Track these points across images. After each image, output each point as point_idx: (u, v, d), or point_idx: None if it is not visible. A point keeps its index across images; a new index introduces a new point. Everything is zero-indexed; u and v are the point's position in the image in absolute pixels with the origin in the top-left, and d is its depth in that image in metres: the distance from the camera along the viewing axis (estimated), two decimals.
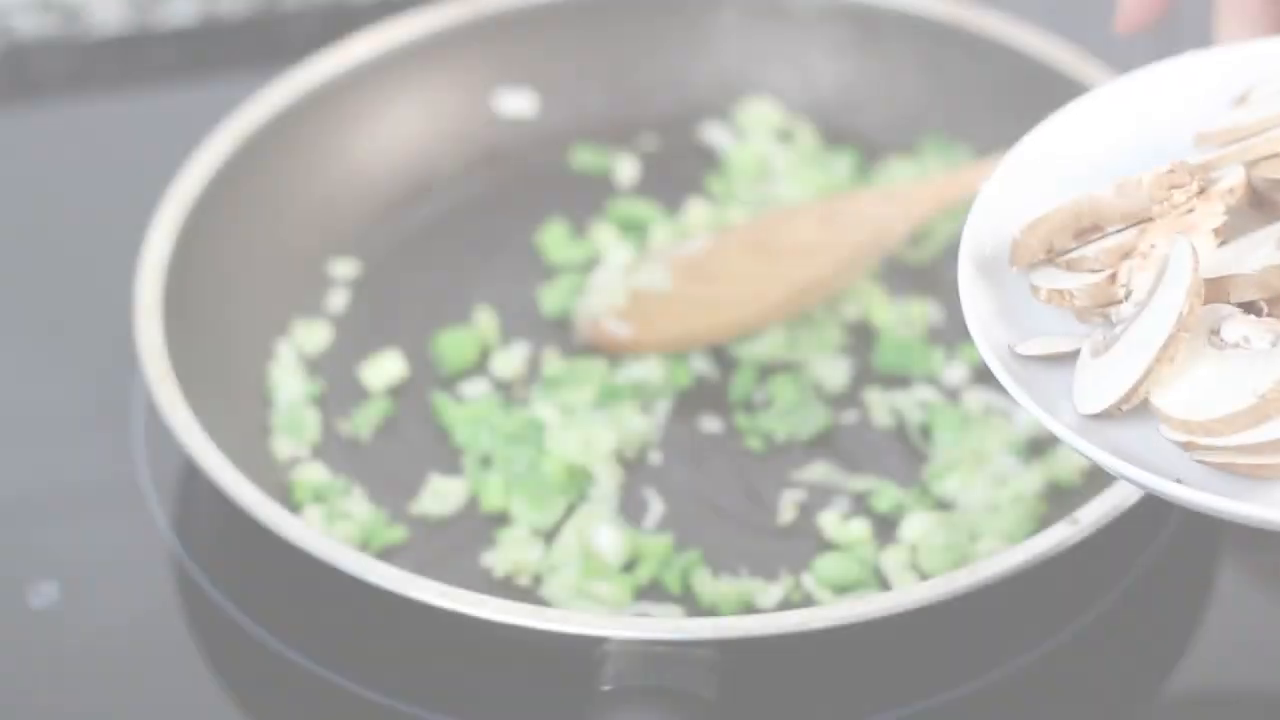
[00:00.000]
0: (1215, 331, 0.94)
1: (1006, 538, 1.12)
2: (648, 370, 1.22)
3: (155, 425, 1.19)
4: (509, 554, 1.13)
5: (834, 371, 1.22)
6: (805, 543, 1.14)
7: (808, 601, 1.11)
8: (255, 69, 1.42)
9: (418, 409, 1.21)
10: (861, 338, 1.24)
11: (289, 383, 1.22)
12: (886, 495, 1.15)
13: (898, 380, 1.22)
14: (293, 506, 1.15)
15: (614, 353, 1.23)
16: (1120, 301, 0.98)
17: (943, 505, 1.15)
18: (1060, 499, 1.14)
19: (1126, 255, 0.98)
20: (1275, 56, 1.05)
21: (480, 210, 1.33)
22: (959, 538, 1.12)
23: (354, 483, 1.17)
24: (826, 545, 1.14)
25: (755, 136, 1.35)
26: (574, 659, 1.02)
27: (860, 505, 1.15)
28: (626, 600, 1.11)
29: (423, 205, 1.33)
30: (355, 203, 1.32)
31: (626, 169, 1.35)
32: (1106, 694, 1.09)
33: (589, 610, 1.09)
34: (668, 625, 1.01)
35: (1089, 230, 0.98)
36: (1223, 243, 0.99)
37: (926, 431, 1.19)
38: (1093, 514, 1.05)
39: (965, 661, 1.09)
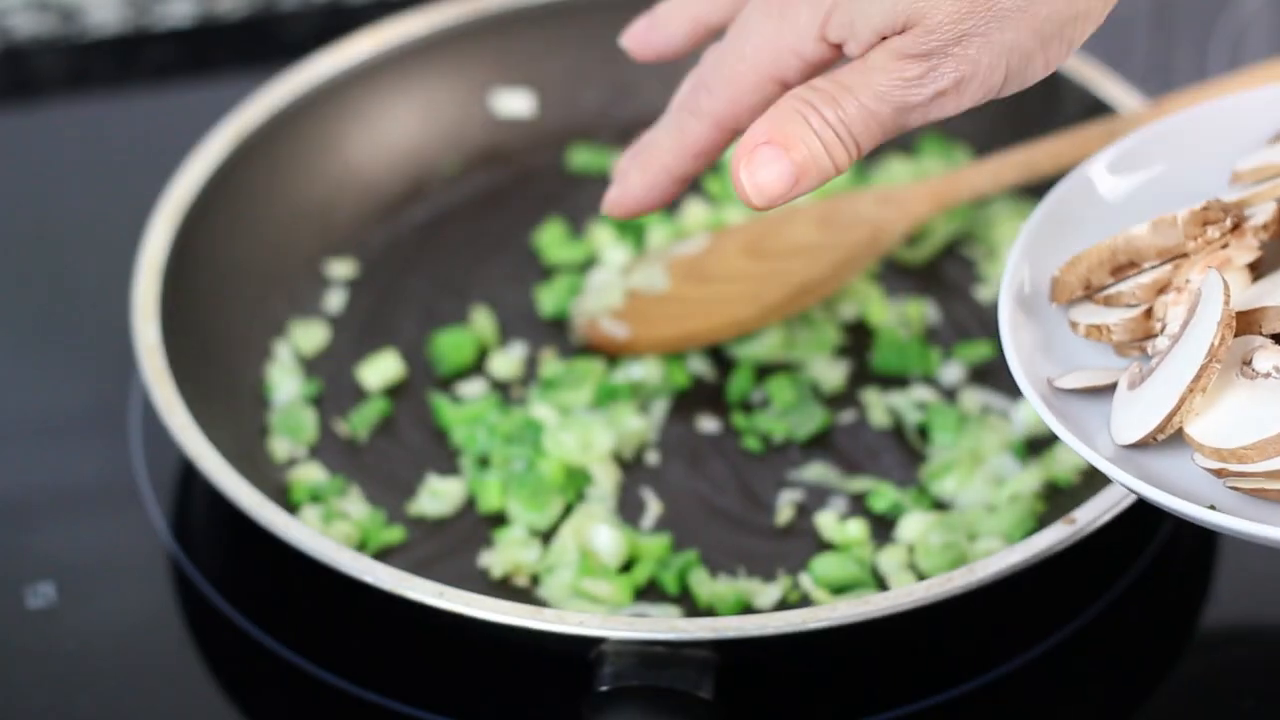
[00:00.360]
0: (1247, 362, 0.96)
1: (1004, 538, 1.12)
2: (645, 370, 1.22)
3: (153, 426, 1.19)
4: (506, 554, 1.13)
5: (831, 372, 1.22)
6: (803, 543, 1.14)
7: (805, 602, 1.11)
8: (253, 69, 1.42)
9: (415, 409, 1.21)
10: (859, 338, 1.24)
11: (286, 383, 1.22)
12: (884, 495, 1.15)
13: (895, 380, 1.22)
14: (290, 507, 1.15)
15: (611, 353, 1.23)
16: (1156, 335, 1.00)
17: (940, 505, 1.15)
18: (1058, 499, 1.14)
19: (1162, 290, 1.00)
20: None
21: (478, 210, 1.33)
22: (956, 538, 1.12)
23: (351, 483, 1.17)
24: (824, 545, 1.14)
25: None
26: (571, 659, 1.02)
27: (858, 505, 1.15)
28: (624, 600, 1.11)
29: (420, 205, 1.33)
30: (353, 203, 1.32)
31: None
32: (1104, 694, 1.09)
33: (586, 610, 1.09)
34: (665, 625, 1.01)
35: (1126, 267, 1.01)
36: (1258, 277, 1.00)
37: (924, 431, 1.19)
38: (1090, 514, 1.05)
39: (963, 662, 1.09)
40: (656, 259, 1.27)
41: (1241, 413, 0.95)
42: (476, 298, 1.28)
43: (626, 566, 1.13)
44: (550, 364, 1.23)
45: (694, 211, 1.31)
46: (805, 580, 1.11)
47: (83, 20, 1.49)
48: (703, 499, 1.16)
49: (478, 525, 1.15)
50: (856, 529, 1.13)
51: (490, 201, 1.34)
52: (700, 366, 1.23)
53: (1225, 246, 1.00)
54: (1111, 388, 1.00)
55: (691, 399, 1.21)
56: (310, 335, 1.25)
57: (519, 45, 1.37)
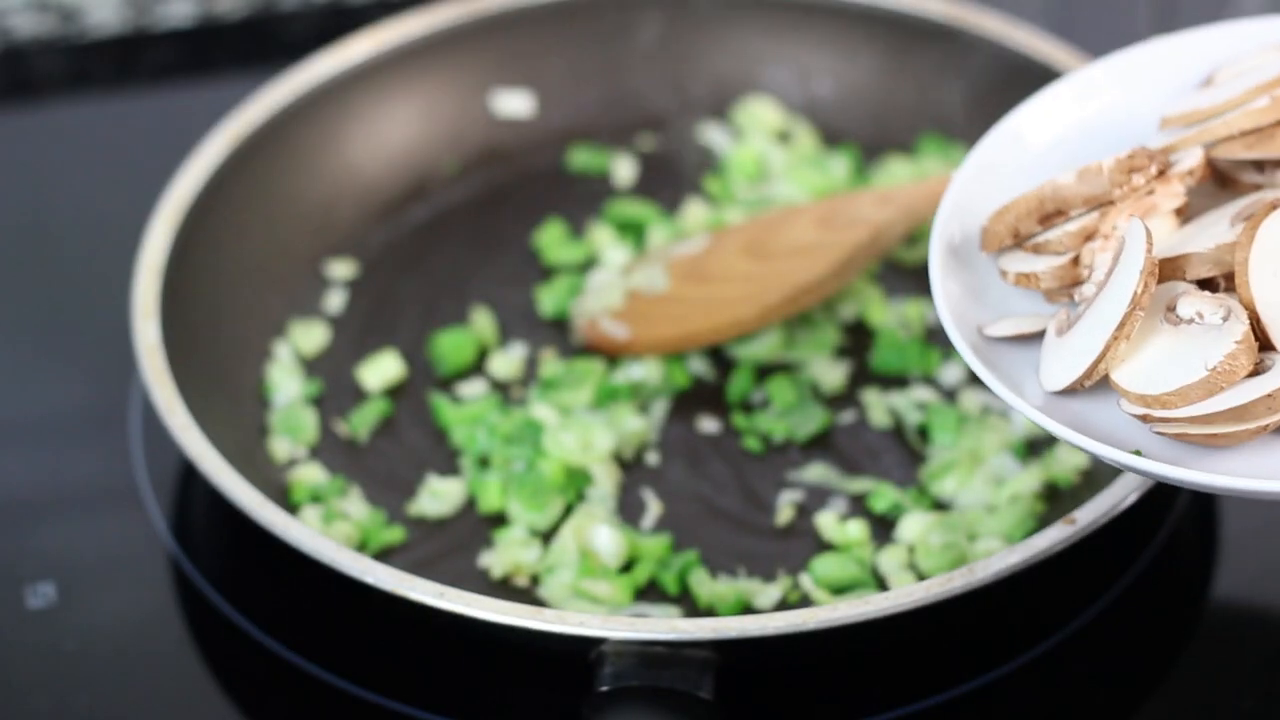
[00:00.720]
0: (1171, 308, 0.97)
1: (1004, 538, 1.12)
2: (645, 371, 1.22)
3: (153, 426, 1.19)
4: (507, 554, 1.13)
5: (831, 372, 1.22)
6: (803, 543, 1.14)
7: (805, 602, 1.11)
8: (253, 70, 1.42)
9: (415, 410, 1.21)
10: (859, 338, 1.24)
11: (286, 384, 1.22)
12: (884, 496, 1.15)
13: (895, 381, 1.22)
14: (290, 507, 1.15)
15: (612, 353, 1.23)
16: (1084, 282, 1.01)
17: (940, 505, 1.15)
18: (1058, 499, 1.14)
19: (1089, 238, 1.01)
20: (1239, 39, 1.07)
21: (478, 211, 1.33)
22: (956, 538, 1.12)
23: (352, 483, 1.17)
24: (824, 546, 1.14)
25: (753, 137, 1.35)
26: (571, 659, 1.02)
27: (858, 506, 1.15)
28: (624, 601, 1.11)
29: (420, 206, 1.33)
30: (353, 203, 1.32)
31: (624, 169, 1.35)
32: (1105, 694, 1.09)
33: (586, 611, 1.09)
34: (665, 626, 1.01)
35: (1053, 215, 1.02)
36: (1185, 222, 1.01)
37: (924, 432, 1.19)
38: (1090, 514, 1.05)
39: (963, 662, 1.09)
40: (657, 259, 1.27)
41: (1165, 358, 0.96)
42: (476, 298, 1.28)
43: (627, 567, 1.13)
44: (550, 364, 1.23)
45: (694, 212, 1.31)
46: (805, 580, 1.11)
47: (83, 21, 1.49)
48: (703, 499, 1.16)
49: (478, 525, 1.15)
50: (857, 529, 1.13)
51: (490, 202, 1.34)
52: (700, 367, 1.23)
53: (1151, 193, 1.01)
54: (1041, 335, 1.01)
55: (692, 399, 1.21)
56: (310, 335, 1.25)
57: (519, 46, 1.37)
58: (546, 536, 1.14)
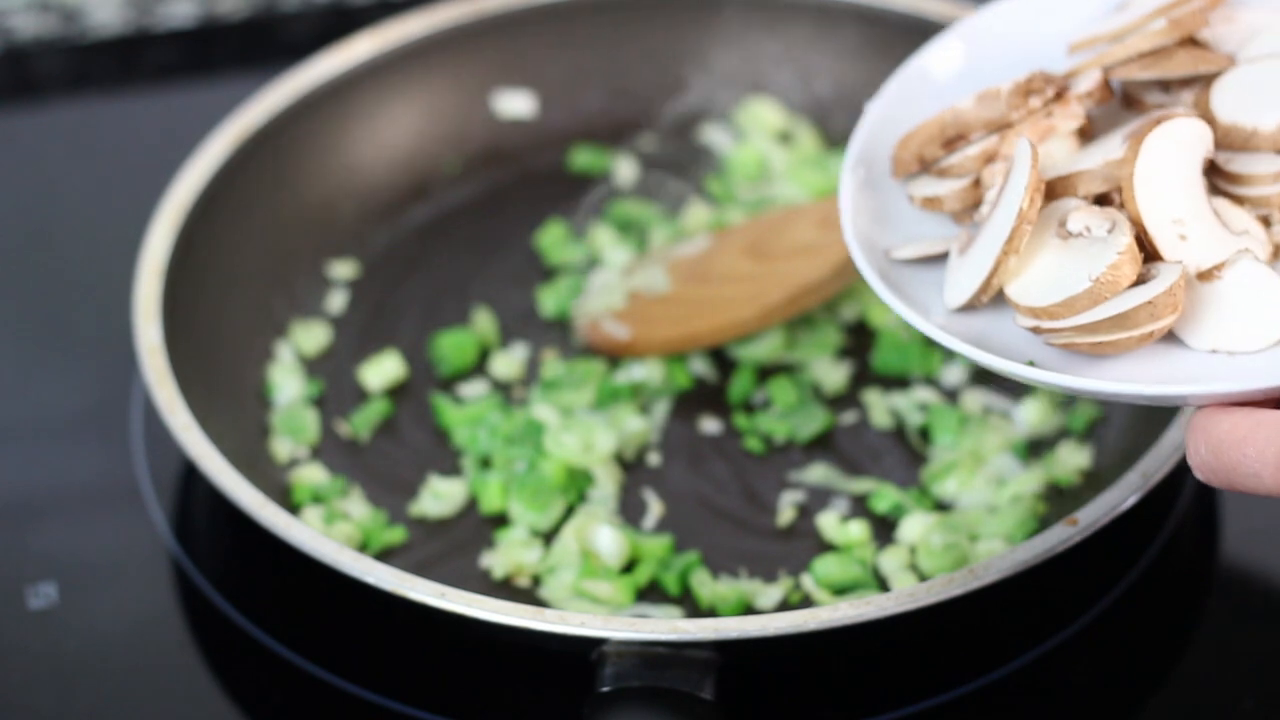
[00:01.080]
0: (1063, 223, 0.98)
1: (1006, 539, 1.12)
2: (647, 371, 1.22)
3: (154, 426, 1.19)
4: (508, 555, 1.13)
5: (833, 373, 1.22)
6: (804, 544, 1.14)
7: (807, 603, 1.11)
8: (254, 70, 1.42)
9: (417, 410, 1.21)
10: (860, 339, 1.24)
11: (288, 384, 1.22)
12: (885, 496, 1.15)
13: (896, 381, 1.22)
14: (292, 508, 1.15)
15: (613, 354, 1.23)
16: (983, 200, 1.02)
17: (942, 506, 1.15)
18: (1059, 500, 1.14)
19: (990, 160, 1.03)
20: None
21: (479, 211, 1.33)
22: (958, 539, 1.12)
23: (353, 484, 1.17)
24: (825, 546, 1.14)
25: (755, 138, 1.35)
26: (573, 660, 1.02)
27: (859, 506, 1.15)
28: (625, 601, 1.11)
29: (421, 206, 1.33)
30: (354, 204, 1.32)
31: (625, 170, 1.35)
32: (1105, 695, 1.09)
33: (588, 611, 1.09)
34: (666, 626, 1.01)
35: (956, 140, 1.04)
36: (1089, 143, 1.02)
37: (925, 432, 1.19)
38: (1092, 515, 1.05)
39: (964, 663, 1.09)
40: (658, 260, 1.27)
41: (1054, 271, 0.98)
42: (478, 298, 1.28)
43: (628, 567, 1.13)
44: (552, 365, 1.23)
45: (695, 212, 1.31)
46: (807, 581, 1.11)
47: (84, 21, 1.49)
48: (704, 500, 1.16)
49: (479, 526, 1.15)
50: (858, 530, 1.13)
51: (492, 202, 1.34)
52: (702, 367, 1.23)
53: (1050, 115, 1.02)
54: (945, 256, 1.02)
55: (693, 400, 1.21)
56: (312, 336, 1.25)
57: (520, 46, 1.37)
58: (548, 537, 1.14)
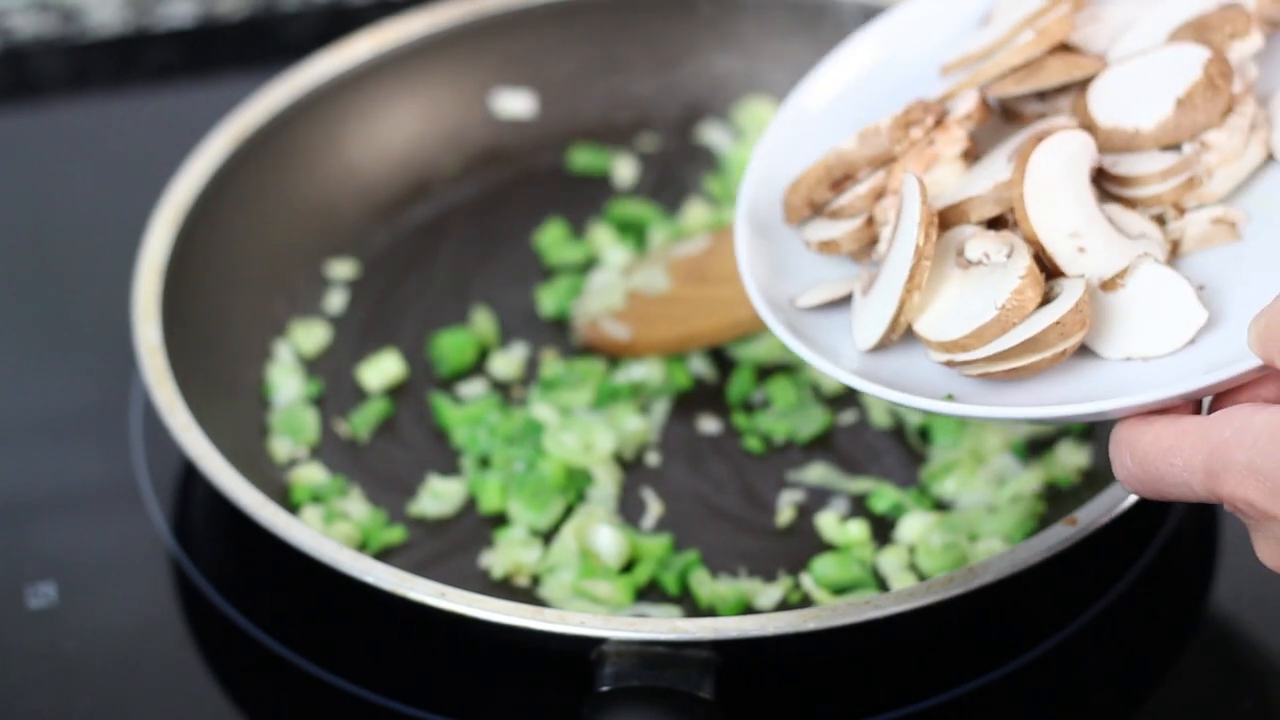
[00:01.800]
0: (960, 252, 0.98)
1: (1005, 538, 1.12)
2: (646, 371, 1.22)
3: (153, 426, 1.19)
4: (507, 555, 1.13)
5: None
6: (803, 543, 1.14)
7: (806, 602, 1.11)
8: (253, 70, 1.42)
9: (416, 410, 1.21)
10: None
11: (287, 383, 1.22)
12: (885, 496, 1.15)
13: None
14: (291, 507, 1.15)
15: (612, 354, 1.23)
16: (878, 237, 1.02)
17: (941, 506, 1.15)
18: (1058, 500, 1.14)
19: (880, 196, 1.03)
20: None
21: (478, 211, 1.33)
22: (957, 538, 1.12)
23: (352, 483, 1.17)
24: (825, 546, 1.14)
25: (754, 137, 1.35)
26: (572, 659, 1.02)
27: (859, 506, 1.15)
28: (625, 601, 1.11)
29: (421, 206, 1.33)
30: (353, 203, 1.32)
31: (625, 170, 1.35)
32: (1105, 695, 1.09)
33: (587, 611, 1.09)
34: (665, 626, 1.01)
35: (843, 180, 1.04)
36: (975, 161, 1.02)
37: (925, 432, 1.19)
38: (1091, 515, 1.05)
39: (964, 663, 1.09)
40: (657, 260, 1.27)
41: (959, 303, 0.97)
42: (477, 298, 1.28)
43: (627, 567, 1.13)
44: (551, 364, 1.23)
45: (695, 212, 1.31)
46: (806, 581, 1.11)
47: (83, 21, 1.49)
48: (704, 499, 1.16)
49: (479, 526, 1.15)
50: (857, 529, 1.13)
51: (491, 202, 1.34)
52: (701, 367, 1.23)
53: (932, 143, 1.02)
54: (849, 298, 1.02)
55: (692, 400, 1.21)
56: (311, 335, 1.25)
57: (519, 46, 1.37)
58: (547, 537, 1.14)
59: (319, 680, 1.09)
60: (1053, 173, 0.97)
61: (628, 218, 1.31)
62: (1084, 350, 0.95)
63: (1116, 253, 0.96)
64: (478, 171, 1.35)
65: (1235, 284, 0.95)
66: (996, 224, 1.00)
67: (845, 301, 1.02)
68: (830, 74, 1.10)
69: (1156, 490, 0.89)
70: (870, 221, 1.03)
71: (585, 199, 1.33)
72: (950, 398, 0.96)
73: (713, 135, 1.37)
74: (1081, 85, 1.01)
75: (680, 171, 1.35)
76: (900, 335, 0.98)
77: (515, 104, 1.37)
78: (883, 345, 0.98)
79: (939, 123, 1.02)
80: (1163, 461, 0.88)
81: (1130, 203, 0.99)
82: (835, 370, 0.98)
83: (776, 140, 1.09)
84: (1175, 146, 0.99)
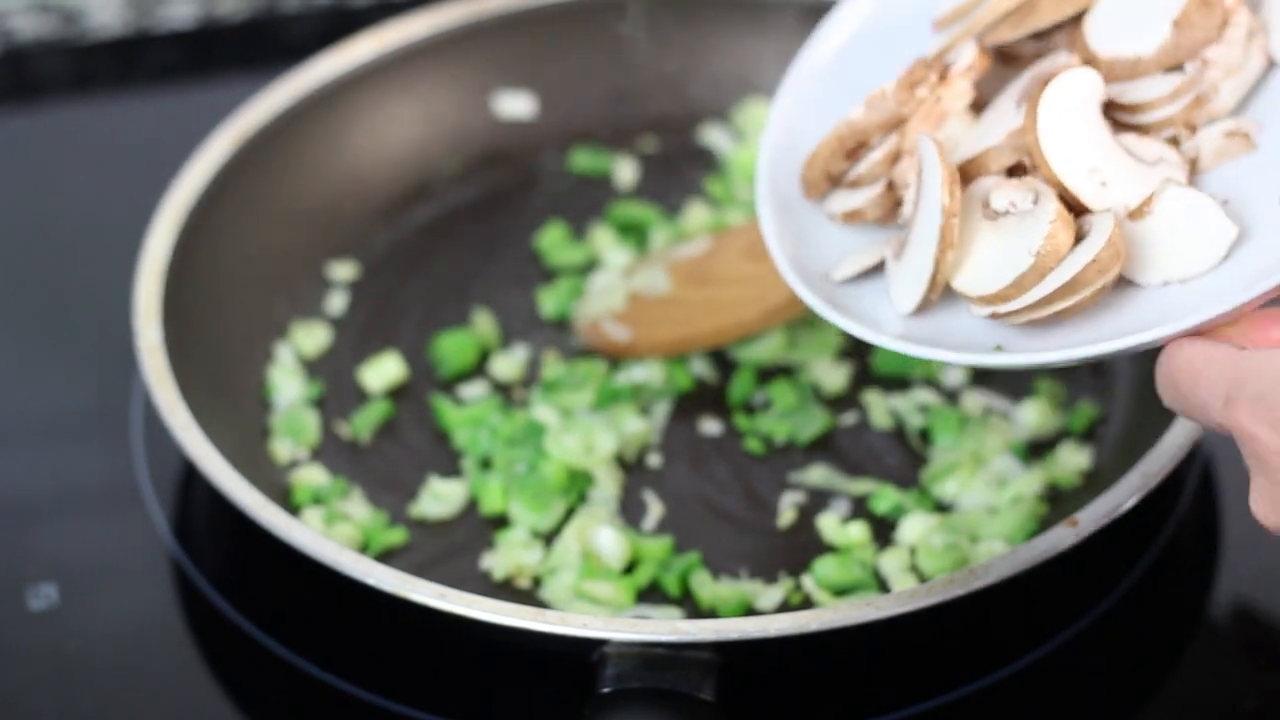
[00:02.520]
0: (987, 204, 0.98)
1: (1006, 540, 1.12)
2: (647, 373, 1.22)
3: (154, 427, 1.19)
4: (508, 556, 1.13)
5: (833, 374, 1.22)
6: (805, 545, 1.14)
7: (807, 604, 1.11)
8: (255, 71, 1.42)
9: (417, 411, 1.21)
10: (860, 340, 1.24)
11: (288, 385, 1.22)
12: (886, 497, 1.15)
13: (897, 383, 1.22)
14: (292, 509, 1.15)
15: (613, 355, 1.23)
16: (901, 200, 1.03)
17: (942, 507, 1.15)
18: (1059, 501, 1.14)
19: (897, 159, 1.03)
20: None
21: (479, 212, 1.33)
22: (958, 539, 1.12)
23: (353, 485, 1.17)
24: (826, 547, 1.14)
25: (754, 139, 1.35)
26: (573, 661, 1.02)
27: (859, 507, 1.15)
28: (626, 602, 1.11)
29: (422, 207, 1.33)
30: (355, 205, 1.32)
31: (626, 171, 1.35)
32: (1106, 696, 1.09)
33: (588, 612, 1.09)
34: (666, 627, 1.01)
35: (857, 149, 1.04)
36: (985, 108, 1.02)
37: (926, 434, 1.19)
38: (1092, 516, 1.05)
39: (964, 664, 1.09)
40: (658, 261, 1.27)
41: (994, 255, 0.98)
42: (478, 300, 1.28)
43: (628, 568, 1.13)
44: (552, 366, 1.23)
45: (696, 213, 1.31)
46: (807, 582, 1.11)
47: (84, 22, 1.49)
48: (705, 501, 1.16)
49: (480, 527, 1.15)
50: (858, 531, 1.13)
51: (492, 203, 1.34)
52: (702, 369, 1.23)
53: (939, 100, 1.03)
54: (882, 265, 1.02)
55: (693, 401, 1.21)
56: (312, 337, 1.25)
57: (520, 47, 1.37)
58: (548, 538, 1.14)
59: (320, 681, 1.09)
60: (1064, 113, 0.98)
61: (629, 219, 1.31)
62: (1123, 281, 0.95)
63: (1138, 181, 0.97)
64: (479, 173, 1.35)
65: (1260, 193, 0.96)
66: (1016, 170, 1.00)
67: (878, 270, 1.03)
68: (823, 47, 1.11)
69: (1183, 409, 0.92)
70: (890, 186, 1.03)
71: (586, 200, 1.34)
72: (999, 349, 0.97)
73: (713, 136, 1.37)
74: (1076, 20, 1.02)
75: (681, 173, 1.35)
76: (939, 294, 0.99)
77: (516, 105, 1.37)
78: (923, 307, 0.99)
79: (942, 77, 1.03)
80: (1191, 383, 0.90)
81: (1143, 129, 0.99)
82: (879, 338, 0.99)
83: (785, 118, 1.09)
84: (1178, 67, 0.99)
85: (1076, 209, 0.96)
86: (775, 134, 1.09)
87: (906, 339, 0.98)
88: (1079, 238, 0.96)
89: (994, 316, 0.97)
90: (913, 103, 1.03)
